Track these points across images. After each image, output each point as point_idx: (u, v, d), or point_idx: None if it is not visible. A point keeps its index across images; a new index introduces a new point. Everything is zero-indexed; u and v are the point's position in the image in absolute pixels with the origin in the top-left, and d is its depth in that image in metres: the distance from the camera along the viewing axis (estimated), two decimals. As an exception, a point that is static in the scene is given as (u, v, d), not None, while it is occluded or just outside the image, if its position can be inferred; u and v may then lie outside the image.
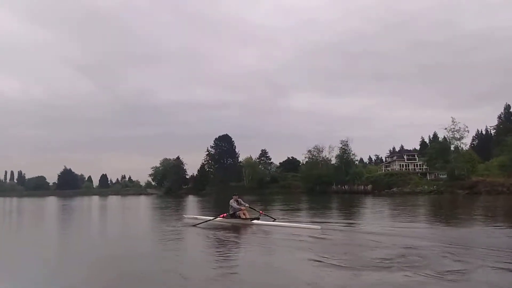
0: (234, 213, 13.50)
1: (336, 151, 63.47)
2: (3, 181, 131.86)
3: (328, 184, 58.89)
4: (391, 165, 73.96)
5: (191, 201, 43.24)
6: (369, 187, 53.30)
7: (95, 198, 65.79)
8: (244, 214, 13.47)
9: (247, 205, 14.03)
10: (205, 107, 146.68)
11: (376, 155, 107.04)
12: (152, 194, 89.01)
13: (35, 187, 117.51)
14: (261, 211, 14.79)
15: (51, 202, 48.61)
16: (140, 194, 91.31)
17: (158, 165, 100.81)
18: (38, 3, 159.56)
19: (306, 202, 34.49)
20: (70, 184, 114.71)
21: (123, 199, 61.25)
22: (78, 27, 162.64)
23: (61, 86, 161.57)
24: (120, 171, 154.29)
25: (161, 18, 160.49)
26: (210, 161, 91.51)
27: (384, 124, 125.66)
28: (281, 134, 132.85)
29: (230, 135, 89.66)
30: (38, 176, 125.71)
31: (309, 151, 67.20)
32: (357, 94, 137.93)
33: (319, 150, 66.90)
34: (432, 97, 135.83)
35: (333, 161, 66.19)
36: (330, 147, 65.45)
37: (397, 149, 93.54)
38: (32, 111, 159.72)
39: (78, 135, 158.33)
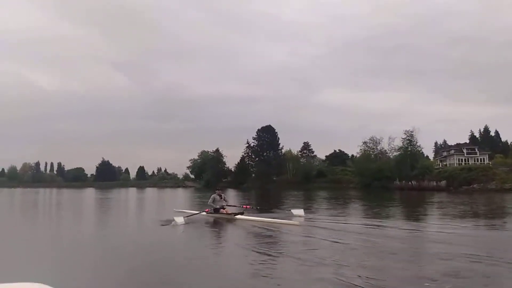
0: (218, 208, 13.44)
1: (398, 143, 56.40)
2: (43, 172, 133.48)
3: (390, 179, 52.01)
4: (448, 159, 67.92)
5: (231, 195, 38.73)
6: (443, 183, 46.09)
7: (133, 190, 64.80)
8: (226, 210, 13.43)
9: (225, 203, 13.75)
10: (235, 102, 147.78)
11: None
12: (190, 187, 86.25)
13: (73, 179, 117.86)
14: (244, 205, 14.89)
15: (92, 194, 46.72)
16: (178, 186, 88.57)
17: (196, 157, 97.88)
18: (75, 3, 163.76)
19: (370, 200, 29.33)
20: (108, 176, 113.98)
21: (161, 191, 59.51)
22: (113, 25, 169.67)
23: (97, 81, 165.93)
24: (155, 164, 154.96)
25: (192, 15, 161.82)
26: (250, 154, 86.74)
27: (418, 120, 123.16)
28: (312, 130, 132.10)
29: (260, 129, 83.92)
30: (77, 168, 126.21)
31: (365, 142, 60.46)
32: (390, 89, 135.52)
33: (375, 141, 59.98)
34: (468, 92, 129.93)
35: (393, 153, 59.37)
36: (390, 138, 58.38)
37: (439, 144, 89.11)
38: (70, 105, 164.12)
39: (114, 128, 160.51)
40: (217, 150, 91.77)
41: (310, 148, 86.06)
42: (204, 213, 13.84)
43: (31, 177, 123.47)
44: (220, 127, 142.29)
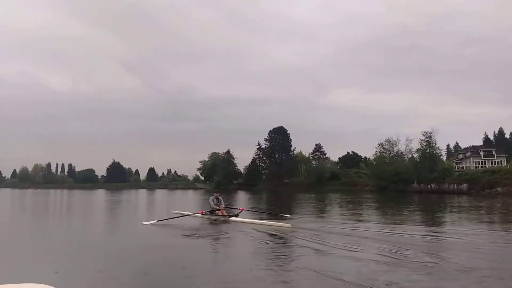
0: (213, 210, 13.67)
1: (415, 144, 54.64)
2: (54, 173, 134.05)
3: (407, 182, 50.28)
4: (464, 162, 65.80)
5: (242, 197, 37.63)
6: (464, 186, 44.27)
7: (143, 192, 64.05)
8: (221, 212, 13.57)
9: (223, 205, 14.05)
10: (245, 103, 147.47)
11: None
12: (200, 188, 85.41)
13: (84, 180, 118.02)
14: (240, 208, 14.79)
15: (102, 195, 45.84)
16: (189, 188, 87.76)
17: (206, 159, 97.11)
18: (87, 4, 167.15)
19: (387, 202, 27.97)
20: (119, 177, 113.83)
21: (171, 193, 58.70)
22: (124, 26, 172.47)
23: (108, 82, 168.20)
24: (165, 165, 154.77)
25: (203, 16, 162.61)
26: (261, 155, 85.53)
27: (430, 121, 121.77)
28: (322, 131, 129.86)
29: (272, 130, 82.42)
30: (88, 169, 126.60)
31: (381, 144, 58.66)
32: (402, 90, 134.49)
33: (392, 143, 58.21)
34: (481, 93, 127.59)
35: (409, 155, 57.58)
36: (407, 139, 56.60)
37: (452, 146, 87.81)
38: (81, 106, 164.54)
39: (125, 129, 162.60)
40: (228, 151, 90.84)
41: (322, 150, 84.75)
42: (198, 214, 14.17)
43: (43, 178, 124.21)
44: (230, 129, 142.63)
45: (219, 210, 13.57)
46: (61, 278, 5.66)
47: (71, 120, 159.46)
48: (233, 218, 12.95)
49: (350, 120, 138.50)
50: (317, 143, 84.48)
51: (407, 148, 56.89)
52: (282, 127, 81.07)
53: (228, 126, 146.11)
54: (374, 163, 59.55)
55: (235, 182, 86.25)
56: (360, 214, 18.46)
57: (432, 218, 16.76)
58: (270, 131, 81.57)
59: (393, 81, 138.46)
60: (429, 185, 47.77)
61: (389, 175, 51.83)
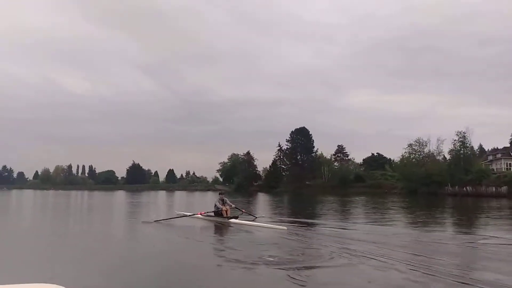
0: (218, 211, 13.66)
1: (448, 145, 51.78)
2: (75, 175, 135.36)
3: (440, 185, 47.51)
4: (494, 164, 62.61)
5: (262, 200, 35.80)
6: (504, 188, 41.33)
7: (162, 193, 63.64)
8: (226, 213, 13.56)
9: (233, 205, 14.32)
10: (261, 105, 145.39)
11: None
12: (220, 190, 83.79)
13: (104, 181, 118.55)
14: (243, 210, 15.01)
15: (122, 197, 45.17)
16: (208, 190, 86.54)
17: (226, 160, 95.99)
18: (104, 6, 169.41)
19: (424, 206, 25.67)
20: (138, 179, 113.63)
21: (190, 195, 57.65)
22: (140, 29, 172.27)
23: (126, 84, 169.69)
24: (183, 167, 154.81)
25: (217, 19, 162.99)
26: (282, 157, 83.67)
27: (447, 123, 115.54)
28: (338, 132, 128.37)
29: (286, 132, 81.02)
30: (108, 170, 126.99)
31: (410, 145, 55.93)
32: (418, 91, 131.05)
33: (421, 144, 55.40)
34: (499, 94, 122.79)
35: (440, 156, 54.84)
36: (439, 140, 53.74)
37: (475, 148, 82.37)
38: (99, 108, 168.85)
39: (144, 131, 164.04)
40: (248, 153, 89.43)
41: (344, 151, 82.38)
42: (198, 215, 14.20)
43: (64, 180, 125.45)
44: (246, 130, 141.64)
45: (224, 209, 13.70)
46: (70, 278, 5.66)
47: (91, 122, 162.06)
48: (232, 220, 13.16)
49: (365, 122, 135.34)
50: (339, 144, 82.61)
51: (439, 148, 54.18)
52: (304, 127, 79.04)
53: (244, 128, 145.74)
54: (403, 164, 56.83)
55: (255, 184, 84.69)
56: (386, 217, 16.96)
57: (474, 223, 15.47)
58: (292, 132, 79.74)
59: (408, 82, 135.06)
60: (464, 188, 44.92)
61: (420, 177, 49.17)
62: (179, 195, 55.97)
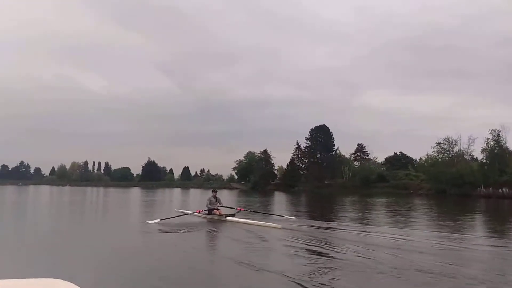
0: (211, 209, 14.05)
1: (480, 144, 48.81)
2: (91, 171, 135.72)
3: (471, 186, 44.72)
4: None
5: (278, 200, 34.00)
6: (545, 191, 38.53)
7: (177, 191, 63.53)
8: (219, 212, 13.96)
9: (218, 205, 14.41)
10: (278, 104, 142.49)
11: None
12: (236, 188, 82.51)
13: (120, 178, 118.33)
14: (238, 208, 14.90)
15: (137, 194, 45.01)
16: (224, 188, 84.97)
17: (242, 158, 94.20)
18: (122, 5, 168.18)
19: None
20: (153, 176, 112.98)
21: (204, 192, 56.08)
22: (157, 28, 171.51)
23: (142, 83, 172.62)
24: (198, 165, 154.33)
25: (235, 18, 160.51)
26: (299, 155, 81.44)
27: (466, 123, 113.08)
28: (354, 132, 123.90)
29: (302, 132, 78.60)
30: (123, 167, 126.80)
31: (438, 143, 53.04)
32: (437, 91, 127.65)
33: (451, 143, 52.48)
34: None
35: (470, 156, 51.92)
36: (470, 138, 50.80)
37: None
38: (116, 106, 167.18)
39: (159, 128, 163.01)
40: (265, 151, 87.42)
41: (364, 150, 79.84)
42: (196, 213, 14.53)
43: (80, 176, 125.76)
44: (262, 129, 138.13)
45: (216, 209, 14.04)
46: (75, 273, 5.67)
47: (107, 120, 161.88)
48: (229, 218, 13.46)
49: (384, 122, 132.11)
50: (359, 143, 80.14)
51: (470, 147, 51.24)
52: (324, 125, 76.58)
53: (260, 127, 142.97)
54: (430, 164, 54.03)
55: (272, 182, 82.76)
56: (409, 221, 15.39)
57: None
58: (311, 129, 77.27)
59: (427, 82, 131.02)
60: (499, 189, 42.10)
61: (451, 178, 46.44)
62: (195, 192, 55.28)
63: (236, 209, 14.67)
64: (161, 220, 12.93)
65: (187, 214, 14.74)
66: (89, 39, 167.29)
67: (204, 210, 14.35)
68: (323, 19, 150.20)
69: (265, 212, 16.97)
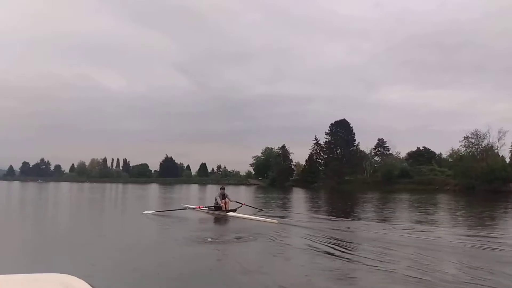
0: (218, 205, 14.19)
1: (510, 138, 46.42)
2: (110, 168, 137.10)
3: (504, 181, 42.43)
4: None
5: (297, 198, 32.40)
6: None
7: (195, 187, 63.16)
8: (225, 207, 14.05)
9: (233, 200, 14.76)
10: (295, 101, 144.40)
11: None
12: (254, 184, 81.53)
13: (138, 174, 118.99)
14: (243, 203, 15.28)
15: (156, 191, 44.06)
16: (242, 184, 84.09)
17: (259, 154, 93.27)
18: (140, 5, 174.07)
19: None
20: (171, 172, 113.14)
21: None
22: (175, 28, 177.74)
23: (160, 81, 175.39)
24: (215, 161, 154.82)
25: (250, 16, 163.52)
26: (318, 151, 79.65)
27: (486, 119, 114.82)
28: (373, 129, 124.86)
29: (319, 128, 76.93)
30: (141, 164, 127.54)
31: (466, 137, 50.62)
32: (456, 87, 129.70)
33: (479, 136, 49.99)
34: None
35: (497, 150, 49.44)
36: (500, 132, 48.28)
37: None
38: (134, 104, 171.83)
39: (176, 126, 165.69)
40: (283, 146, 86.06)
41: (385, 145, 77.37)
42: (197, 209, 14.94)
43: (99, 173, 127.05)
44: (279, 126, 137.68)
45: (223, 204, 14.20)
46: (84, 269, 5.59)
47: (126, 117, 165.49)
48: (230, 213, 13.57)
49: (403, 117, 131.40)
50: (380, 138, 77.50)
51: (500, 141, 48.71)
52: (344, 119, 74.45)
53: (276, 124, 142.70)
54: (457, 158, 51.74)
55: (291, 179, 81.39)
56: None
57: None
58: (331, 124, 75.26)
59: (445, 78, 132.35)
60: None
61: (480, 173, 44.21)
62: (212, 189, 54.07)
63: (242, 204, 15.17)
64: (155, 212, 13.86)
65: (186, 208, 15.10)
66: (108, 40, 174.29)
67: (206, 206, 14.99)
68: (340, 16, 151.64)
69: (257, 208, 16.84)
